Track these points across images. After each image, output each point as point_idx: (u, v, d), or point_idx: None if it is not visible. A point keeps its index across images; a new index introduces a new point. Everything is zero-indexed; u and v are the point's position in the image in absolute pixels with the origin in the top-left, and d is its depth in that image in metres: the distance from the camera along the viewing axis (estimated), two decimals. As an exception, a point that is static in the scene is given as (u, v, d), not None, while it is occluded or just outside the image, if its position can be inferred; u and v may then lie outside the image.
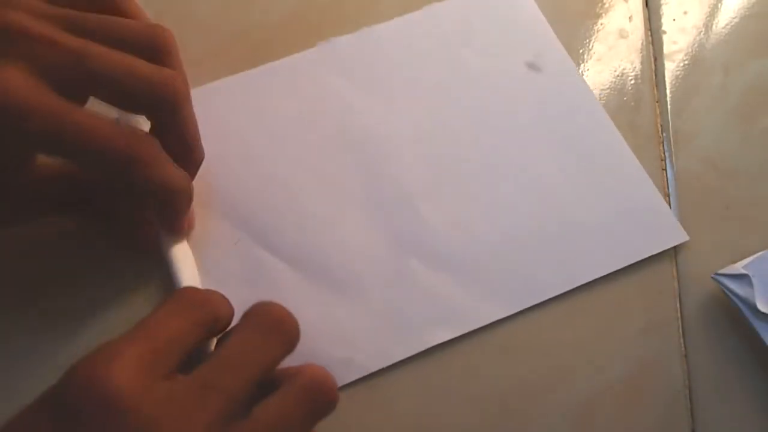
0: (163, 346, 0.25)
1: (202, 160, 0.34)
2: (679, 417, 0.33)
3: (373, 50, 0.41)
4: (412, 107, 0.39)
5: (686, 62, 0.42)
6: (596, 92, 0.40)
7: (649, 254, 0.36)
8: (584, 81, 0.40)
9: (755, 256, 0.34)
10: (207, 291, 0.29)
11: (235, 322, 0.29)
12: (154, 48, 0.31)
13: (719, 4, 0.43)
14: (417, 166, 0.38)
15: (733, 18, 0.43)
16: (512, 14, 0.42)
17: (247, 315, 0.28)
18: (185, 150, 0.33)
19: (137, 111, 0.32)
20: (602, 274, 0.35)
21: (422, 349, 0.33)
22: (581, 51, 0.42)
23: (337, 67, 0.40)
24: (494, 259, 0.35)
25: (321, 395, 0.27)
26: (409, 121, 0.39)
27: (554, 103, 0.39)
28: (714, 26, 0.43)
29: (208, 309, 0.28)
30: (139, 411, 0.23)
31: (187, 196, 0.32)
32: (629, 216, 0.37)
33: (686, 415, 0.33)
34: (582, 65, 0.41)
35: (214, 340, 0.29)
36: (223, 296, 0.29)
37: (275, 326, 0.28)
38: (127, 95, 0.30)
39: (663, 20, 0.43)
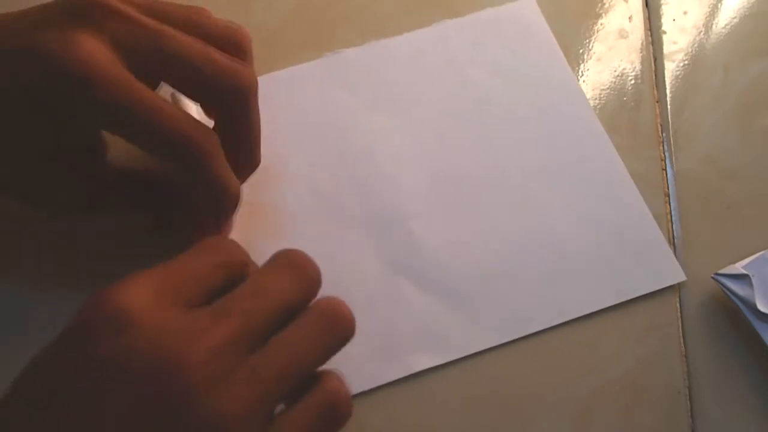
0: (180, 279, 0.25)
1: (258, 165, 0.34)
2: (679, 417, 0.33)
3: (380, 65, 0.40)
4: (416, 125, 0.39)
5: (686, 62, 0.42)
6: (596, 92, 0.40)
7: (644, 292, 0.35)
8: (590, 107, 0.40)
9: (755, 256, 0.34)
10: (223, 238, 0.29)
11: None
12: (232, 44, 0.32)
13: (719, 4, 0.43)
14: (416, 186, 0.37)
15: (733, 18, 0.43)
16: (523, 35, 0.41)
17: (271, 258, 0.27)
18: (246, 148, 0.33)
19: (207, 99, 0.32)
20: (594, 309, 0.34)
21: (406, 374, 0.33)
22: (581, 51, 0.42)
23: (343, 80, 0.40)
24: (486, 286, 0.35)
25: (338, 321, 0.27)
26: (412, 140, 0.38)
27: (560, 130, 0.39)
28: (714, 26, 0.43)
29: (230, 253, 0.27)
30: (141, 326, 0.23)
31: (236, 200, 0.32)
32: (627, 251, 0.36)
33: (686, 415, 0.33)
34: (582, 65, 0.41)
35: None
36: (237, 243, 0.29)
37: (296, 266, 0.27)
38: (201, 79, 0.30)
39: (663, 20, 0.43)
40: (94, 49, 0.28)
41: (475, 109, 0.39)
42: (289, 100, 0.39)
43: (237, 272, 0.27)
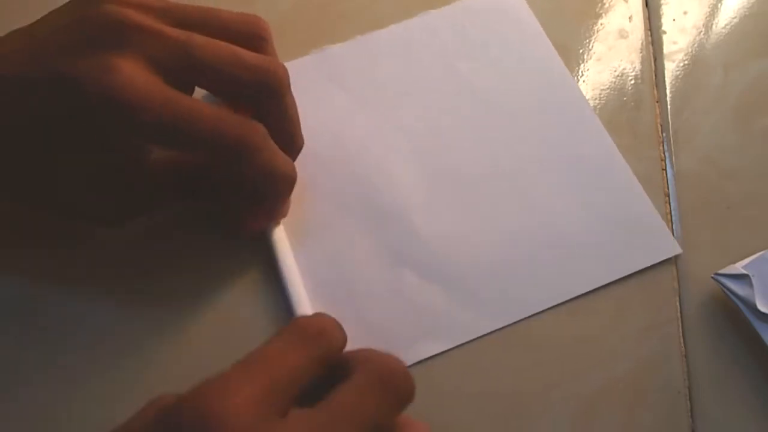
0: (281, 383, 0.24)
1: (302, 147, 0.35)
2: (679, 417, 0.33)
3: (368, 59, 0.41)
4: (407, 118, 0.39)
5: (686, 62, 0.42)
6: (596, 92, 0.40)
7: (641, 267, 0.35)
8: (581, 92, 0.40)
9: (755, 256, 0.34)
10: (321, 320, 0.28)
11: None
12: (253, 36, 0.32)
13: (719, 4, 0.43)
14: (411, 178, 0.37)
15: (733, 18, 0.43)
16: (508, 24, 0.42)
17: (367, 363, 0.26)
18: (287, 137, 0.33)
19: (242, 99, 0.32)
20: (594, 287, 0.35)
21: (411, 362, 0.33)
22: (581, 51, 0.42)
23: (331, 76, 0.40)
24: (486, 272, 0.35)
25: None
26: (403, 132, 0.39)
27: (551, 115, 0.39)
28: (714, 26, 0.43)
29: (325, 342, 0.26)
30: None
31: (291, 182, 0.33)
32: (622, 229, 0.36)
33: (686, 415, 0.33)
34: (582, 65, 0.41)
35: None
36: (334, 321, 0.28)
37: (395, 384, 0.26)
38: (233, 82, 0.31)
39: (663, 20, 0.43)
40: (132, 73, 0.28)
41: (465, 99, 0.40)
42: None
43: (328, 361, 0.26)
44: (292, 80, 0.35)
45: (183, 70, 0.30)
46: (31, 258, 0.35)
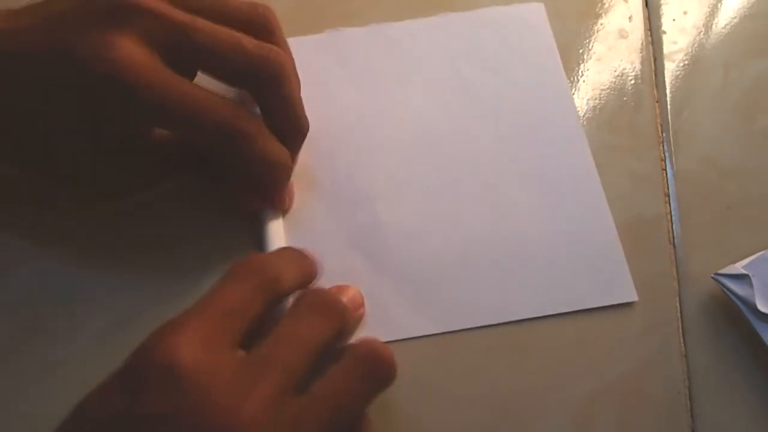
0: (225, 318, 0.26)
1: (307, 132, 0.35)
2: (679, 417, 0.33)
3: (377, 46, 0.41)
4: (399, 109, 0.39)
5: (686, 62, 0.42)
6: (596, 92, 0.40)
7: (592, 306, 0.35)
8: (578, 117, 0.39)
9: (755, 256, 0.34)
10: (260, 255, 0.30)
11: None
12: (258, 25, 0.33)
13: (719, 4, 0.43)
14: (388, 168, 0.38)
15: (733, 18, 0.43)
16: (524, 37, 0.42)
17: (301, 297, 0.29)
18: (289, 124, 0.34)
19: (242, 85, 0.33)
20: (539, 315, 0.34)
21: None
22: (581, 51, 0.42)
23: (338, 57, 0.41)
24: (436, 276, 0.35)
25: (379, 365, 0.28)
26: (392, 122, 0.39)
27: (542, 135, 0.39)
28: (714, 26, 0.43)
29: (268, 273, 0.28)
30: (195, 381, 0.24)
31: (286, 170, 0.34)
32: (585, 263, 0.35)
33: (686, 415, 0.33)
34: (582, 65, 0.41)
35: (290, 299, 0.30)
36: (296, 256, 0.30)
37: (330, 307, 0.28)
38: (232, 69, 0.31)
39: (663, 20, 0.43)
40: (132, 52, 0.29)
41: (460, 102, 0.40)
42: None
43: (274, 291, 0.28)
44: (298, 56, 0.35)
45: (182, 53, 0.30)
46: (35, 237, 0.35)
